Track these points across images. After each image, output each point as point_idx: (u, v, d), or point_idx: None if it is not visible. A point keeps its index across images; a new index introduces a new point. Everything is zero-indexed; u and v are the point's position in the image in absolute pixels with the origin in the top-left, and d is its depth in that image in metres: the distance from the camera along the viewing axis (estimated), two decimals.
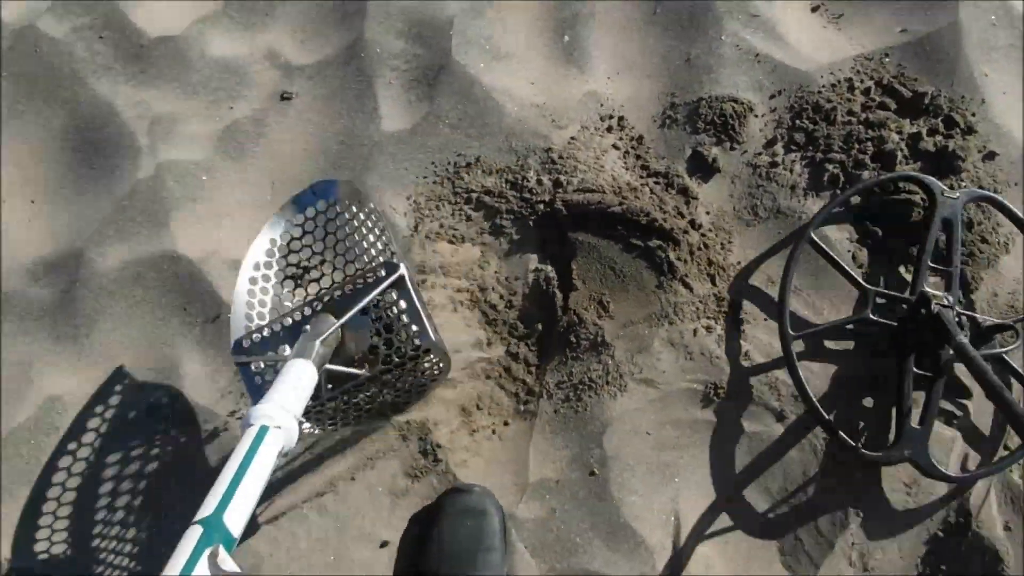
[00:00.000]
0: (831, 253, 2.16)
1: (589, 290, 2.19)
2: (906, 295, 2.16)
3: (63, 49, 2.47)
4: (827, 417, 2.05)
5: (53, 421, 2.13)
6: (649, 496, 2.07)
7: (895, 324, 2.15)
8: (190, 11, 2.55)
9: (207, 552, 1.19)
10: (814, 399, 2.05)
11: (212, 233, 2.30)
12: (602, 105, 2.42)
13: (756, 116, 2.40)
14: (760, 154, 2.36)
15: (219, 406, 2.14)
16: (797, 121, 2.38)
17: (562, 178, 2.29)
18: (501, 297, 2.24)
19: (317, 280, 2.09)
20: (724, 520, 2.07)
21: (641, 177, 2.33)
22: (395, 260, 1.93)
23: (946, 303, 2.10)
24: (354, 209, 2.07)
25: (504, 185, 2.32)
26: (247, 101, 2.45)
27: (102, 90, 2.43)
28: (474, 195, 2.31)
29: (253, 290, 2.04)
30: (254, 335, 1.95)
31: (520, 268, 2.25)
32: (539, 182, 2.30)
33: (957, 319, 2.09)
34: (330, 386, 1.84)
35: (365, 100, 2.42)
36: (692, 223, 2.26)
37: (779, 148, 2.36)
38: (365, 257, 2.05)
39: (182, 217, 2.31)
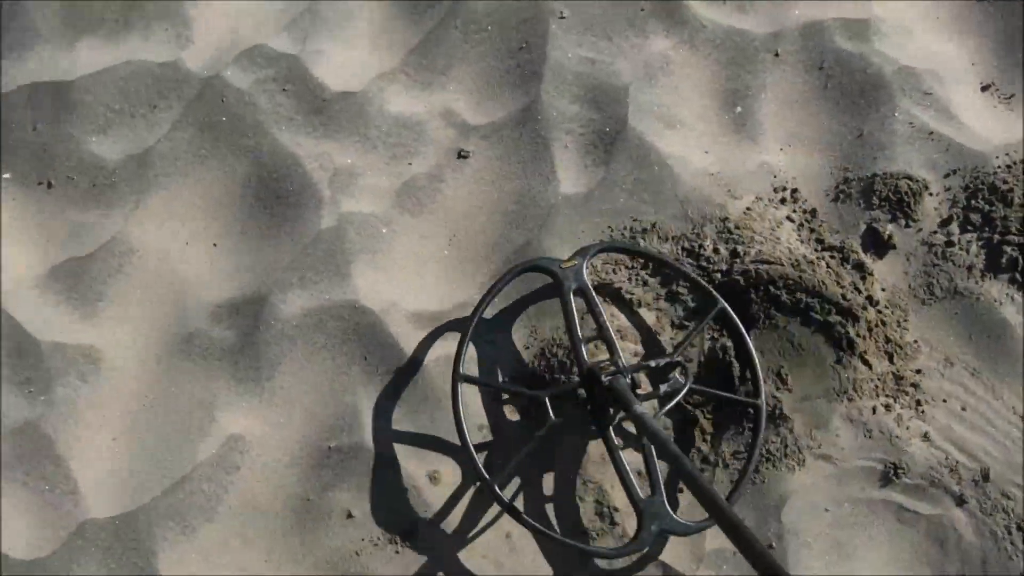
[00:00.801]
0: (483, 380, 2.19)
1: (767, 362, 2.20)
2: (575, 379, 2.13)
3: (247, 100, 2.54)
4: (556, 535, 2.04)
5: (235, 460, 2.18)
6: (826, 574, 2.06)
7: (577, 412, 2.11)
8: (370, 68, 2.62)
9: None
10: (535, 524, 2.02)
11: (392, 285, 2.35)
12: (775, 176, 2.44)
13: (931, 194, 2.40)
14: (935, 233, 2.36)
15: (400, 458, 2.17)
16: (973, 201, 2.38)
17: (739, 248, 2.31)
18: None
19: None
20: None
21: (816, 251, 2.34)
22: None
23: (613, 369, 2.03)
24: None
25: (680, 252, 2.34)
26: (424, 157, 2.50)
27: (285, 141, 2.50)
28: (650, 261, 2.34)
29: None
30: None
31: (695, 334, 2.26)
32: (715, 251, 2.33)
33: (629, 379, 2.01)
34: None
35: (541, 162, 2.46)
36: (869, 299, 2.26)
37: (955, 227, 2.36)
38: None
39: (363, 268, 2.36)
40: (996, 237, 2.33)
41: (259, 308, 2.31)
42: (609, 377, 1.99)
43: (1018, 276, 2.29)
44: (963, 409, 2.20)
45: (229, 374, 2.27)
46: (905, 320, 2.28)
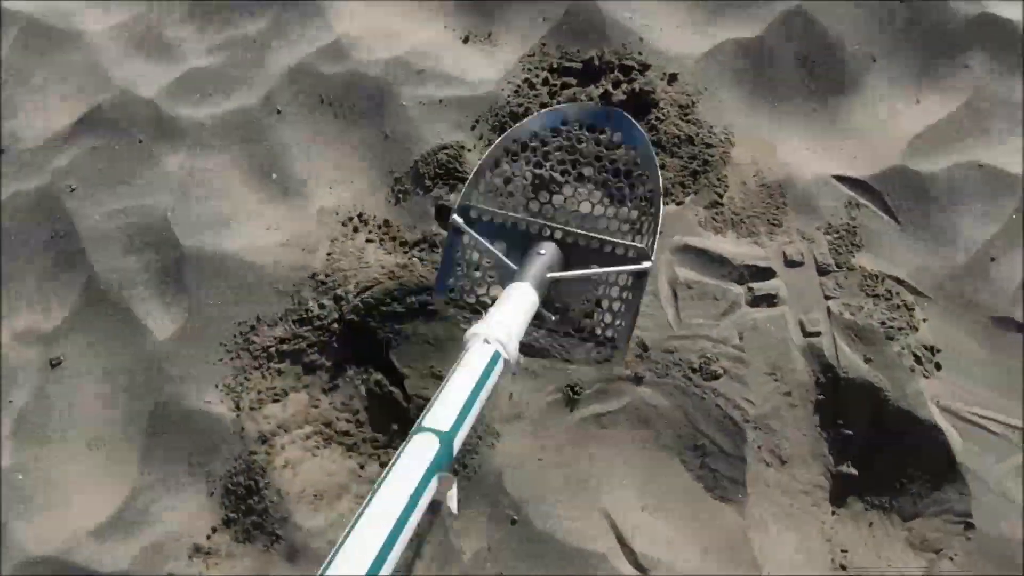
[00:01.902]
0: None
1: (418, 371, 2.25)
2: None
3: None
4: None
5: None
6: (574, 513, 2.13)
7: None
8: None
9: (439, 477, 1.08)
10: None
11: (62, 524, 2.22)
12: (338, 213, 2.50)
13: (469, 150, 2.53)
14: (492, 179, 2.49)
15: None
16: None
17: (339, 292, 2.35)
18: (348, 421, 2.27)
19: (563, 200, 2.02)
20: (647, 490, 2.16)
21: (405, 253, 2.41)
22: (651, 250, 1.76)
23: None
24: (637, 165, 1.90)
25: (293, 327, 2.36)
26: (21, 389, 2.39)
27: None
28: (272, 349, 2.34)
29: (502, 161, 1.98)
30: (484, 214, 1.85)
31: (349, 388, 2.29)
32: (321, 307, 2.36)
33: None
34: None
35: (130, 325, 2.41)
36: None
37: (504, 165, 2.50)
38: (623, 221, 1.91)
39: (20, 526, 2.22)
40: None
41: None
42: None
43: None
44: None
45: None
46: None
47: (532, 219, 1.86)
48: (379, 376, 2.28)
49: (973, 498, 2.15)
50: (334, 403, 2.29)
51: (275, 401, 2.30)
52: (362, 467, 2.22)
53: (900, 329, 2.28)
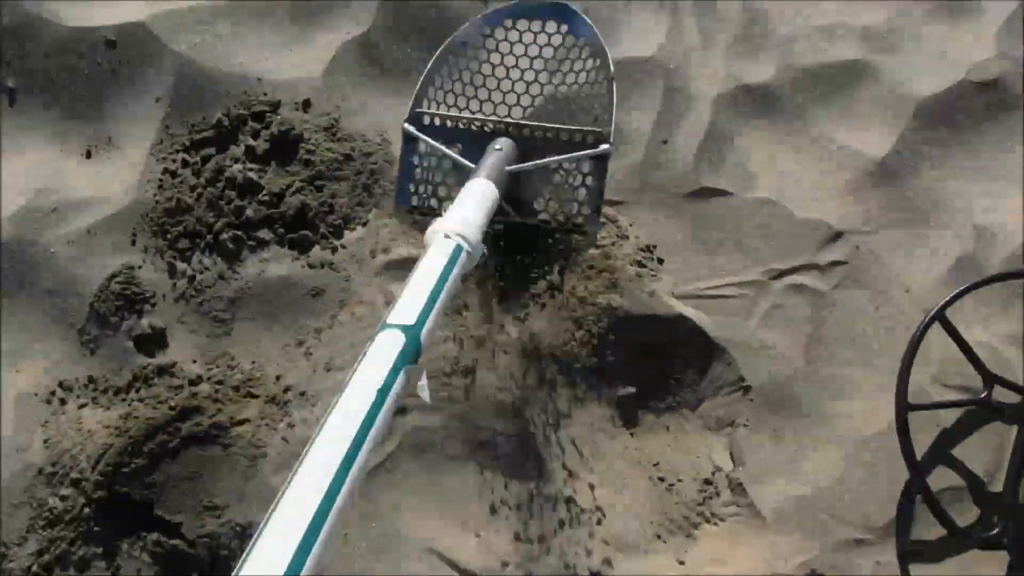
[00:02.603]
0: (960, 334, 2.04)
1: (191, 511, 2.14)
2: None
3: None
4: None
5: None
6: (401, 566, 2.10)
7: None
8: None
9: (407, 370, 1.08)
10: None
11: None
12: (37, 394, 2.28)
13: (140, 267, 2.37)
14: (176, 284, 2.36)
15: None
16: (168, 236, 2.38)
17: (74, 475, 2.17)
18: None
19: (515, 96, 2.09)
20: (458, 508, 2.15)
21: (123, 401, 2.26)
22: (608, 134, 1.89)
23: None
24: (586, 54, 2.02)
25: (45, 533, 2.16)
26: None
27: None
28: (34, 568, 2.13)
29: (450, 64, 2.06)
30: (435, 118, 1.99)
31: (132, 562, 2.14)
32: (63, 498, 2.17)
33: None
34: None
35: None
36: (193, 382, 2.24)
37: (180, 264, 2.37)
38: (577, 111, 2.02)
39: None
40: (213, 237, 2.38)
41: None
42: None
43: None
44: None
45: None
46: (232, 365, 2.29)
47: (486, 118, 2.00)
48: (155, 535, 2.14)
49: (739, 362, 2.25)
50: None
51: None
52: None
53: (612, 244, 2.32)
